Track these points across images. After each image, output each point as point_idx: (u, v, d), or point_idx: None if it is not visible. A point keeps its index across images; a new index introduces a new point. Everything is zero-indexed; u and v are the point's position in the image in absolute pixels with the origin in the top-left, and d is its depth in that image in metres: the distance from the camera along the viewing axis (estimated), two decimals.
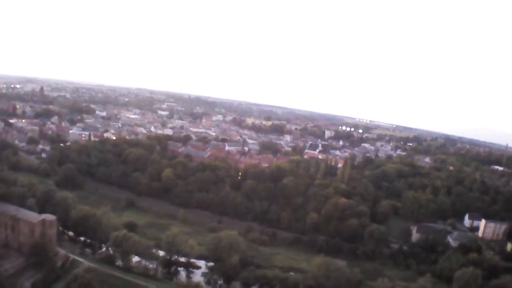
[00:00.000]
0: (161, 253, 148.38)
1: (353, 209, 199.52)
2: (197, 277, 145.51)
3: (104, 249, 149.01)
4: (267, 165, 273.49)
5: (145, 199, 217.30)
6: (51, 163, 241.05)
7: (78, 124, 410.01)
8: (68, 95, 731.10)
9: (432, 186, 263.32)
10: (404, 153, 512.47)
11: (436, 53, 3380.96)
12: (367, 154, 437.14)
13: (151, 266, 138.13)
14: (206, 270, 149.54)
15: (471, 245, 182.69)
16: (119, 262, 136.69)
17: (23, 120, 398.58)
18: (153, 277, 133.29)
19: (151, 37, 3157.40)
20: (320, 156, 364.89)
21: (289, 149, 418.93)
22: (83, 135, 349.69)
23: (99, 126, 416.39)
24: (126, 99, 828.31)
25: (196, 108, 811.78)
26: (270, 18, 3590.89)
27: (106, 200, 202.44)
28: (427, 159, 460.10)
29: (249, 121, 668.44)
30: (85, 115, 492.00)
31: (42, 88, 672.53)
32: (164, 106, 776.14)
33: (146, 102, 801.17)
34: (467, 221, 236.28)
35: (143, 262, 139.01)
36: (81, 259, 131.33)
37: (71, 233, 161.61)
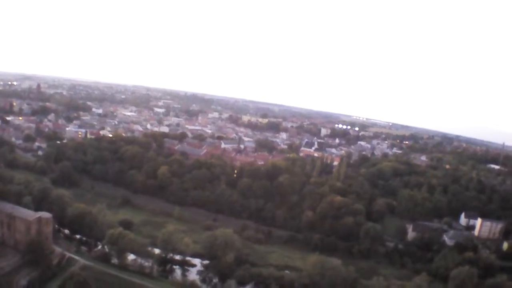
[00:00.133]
0: (157, 251, 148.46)
1: (348, 207, 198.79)
2: (193, 275, 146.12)
3: (100, 247, 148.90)
4: (262, 163, 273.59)
5: (141, 196, 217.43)
6: (47, 161, 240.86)
7: (74, 122, 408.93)
8: (65, 92, 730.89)
9: (428, 184, 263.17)
10: (400, 151, 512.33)
11: (433, 51, 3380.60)
12: (363, 152, 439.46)
13: (146, 264, 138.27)
14: (201, 268, 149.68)
15: (467, 244, 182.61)
16: (114, 260, 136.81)
17: (20, 118, 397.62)
18: (148, 275, 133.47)
19: (148, 34, 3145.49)
20: (316, 154, 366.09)
21: (285, 146, 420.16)
22: (80, 133, 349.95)
23: (95, 123, 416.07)
24: (123, 96, 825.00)
25: (192, 106, 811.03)
26: (266, 15, 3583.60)
27: (102, 198, 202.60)
28: (423, 158, 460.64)
29: (245, 118, 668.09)
30: (81, 113, 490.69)
31: (39, 85, 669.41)
32: (160, 103, 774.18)
33: (142, 100, 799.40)
34: (463, 220, 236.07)
35: (139, 260, 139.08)
36: (77, 257, 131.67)
37: (67, 231, 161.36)
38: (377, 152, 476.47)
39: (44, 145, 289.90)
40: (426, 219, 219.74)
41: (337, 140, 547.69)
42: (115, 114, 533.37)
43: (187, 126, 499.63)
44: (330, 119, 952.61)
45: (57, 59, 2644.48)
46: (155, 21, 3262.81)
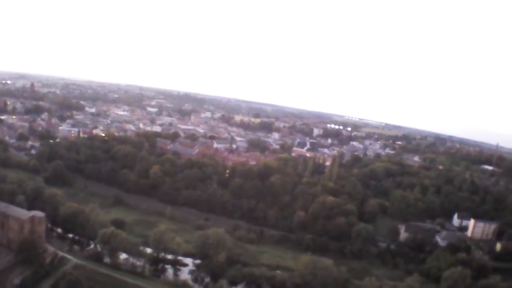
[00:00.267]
0: (149, 250, 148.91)
1: (340, 208, 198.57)
2: (184, 274, 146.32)
3: (92, 246, 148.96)
4: (254, 162, 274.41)
5: (133, 196, 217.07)
6: (40, 160, 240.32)
7: (67, 121, 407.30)
8: (58, 91, 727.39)
9: (420, 185, 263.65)
10: (393, 152, 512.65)
11: (426, 51, 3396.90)
12: (356, 153, 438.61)
13: (138, 263, 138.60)
14: (193, 268, 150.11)
15: (459, 244, 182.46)
16: (107, 259, 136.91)
17: (13, 117, 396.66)
18: (140, 274, 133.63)
19: (142, 34, 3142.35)
20: (308, 154, 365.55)
21: (277, 146, 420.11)
22: (73, 132, 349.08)
23: (88, 122, 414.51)
24: (116, 96, 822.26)
25: (185, 105, 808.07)
26: (260, 15, 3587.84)
27: (94, 197, 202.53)
28: (416, 158, 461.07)
29: (238, 118, 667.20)
30: (74, 112, 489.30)
31: (32, 84, 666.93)
32: (153, 102, 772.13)
33: (135, 99, 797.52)
34: (456, 221, 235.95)
35: (131, 259, 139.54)
36: (69, 256, 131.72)
37: (59, 230, 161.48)
38: (370, 153, 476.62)
39: (37, 144, 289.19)
40: (419, 220, 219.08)
41: (329, 140, 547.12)
42: (108, 113, 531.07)
43: (179, 125, 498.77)
44: (322, 119, 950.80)
45: (51, 58, 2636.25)
46: (149, 21, 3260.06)
